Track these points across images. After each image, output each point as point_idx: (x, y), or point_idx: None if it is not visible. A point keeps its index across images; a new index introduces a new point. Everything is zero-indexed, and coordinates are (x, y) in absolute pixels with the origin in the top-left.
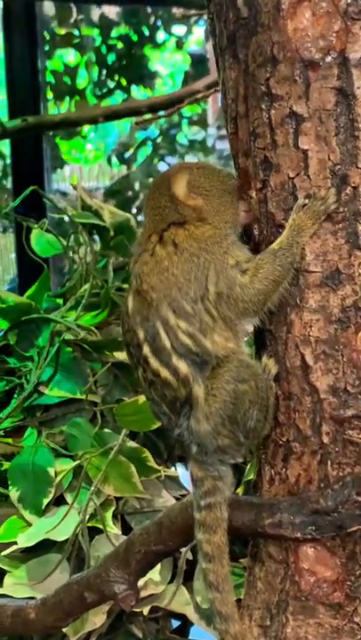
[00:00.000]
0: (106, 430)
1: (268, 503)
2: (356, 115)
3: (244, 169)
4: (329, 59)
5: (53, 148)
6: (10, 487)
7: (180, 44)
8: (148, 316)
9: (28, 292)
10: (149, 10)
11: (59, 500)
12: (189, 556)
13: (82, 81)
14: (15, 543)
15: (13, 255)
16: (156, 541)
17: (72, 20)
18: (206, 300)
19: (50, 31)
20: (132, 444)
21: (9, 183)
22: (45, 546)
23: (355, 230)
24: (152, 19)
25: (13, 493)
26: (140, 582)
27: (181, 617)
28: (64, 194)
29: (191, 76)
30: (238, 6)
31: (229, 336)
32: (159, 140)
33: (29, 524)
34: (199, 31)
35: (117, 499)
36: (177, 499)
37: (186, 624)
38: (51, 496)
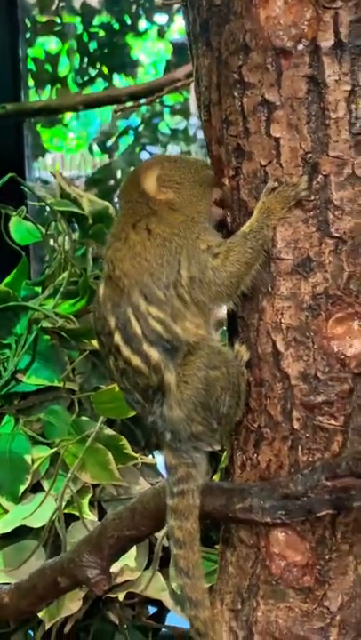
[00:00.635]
0: (83, 418)
1: (238, 488)
2: (327, 103)
3: (217, 156)
4: (301, 47)
5: (35, 136)
6: None
7: (161, 33)
8: (119, 302)
9: (6, 280)
10: None
11: (35, 487)
12: (165, 543)
13: (63, 69)
14: None
15: None
16: (129, 526)
17: (54, 8)
18: (179, 285)
19: (31, 19)
20: (109, 431)
21: None
22: (22, 532)
23: (325, 218)
24: (134, 7)
25: None
26: (116, 568)
27: (158, 603)
28: (45, 182)
29: (173, 65)
30: None
31: (200, 323)
32: (141, 128)
33: (6, 511)
34: (181, 20)
35: (94, 486)
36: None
37: (162, 610)
38: (27, 483)
